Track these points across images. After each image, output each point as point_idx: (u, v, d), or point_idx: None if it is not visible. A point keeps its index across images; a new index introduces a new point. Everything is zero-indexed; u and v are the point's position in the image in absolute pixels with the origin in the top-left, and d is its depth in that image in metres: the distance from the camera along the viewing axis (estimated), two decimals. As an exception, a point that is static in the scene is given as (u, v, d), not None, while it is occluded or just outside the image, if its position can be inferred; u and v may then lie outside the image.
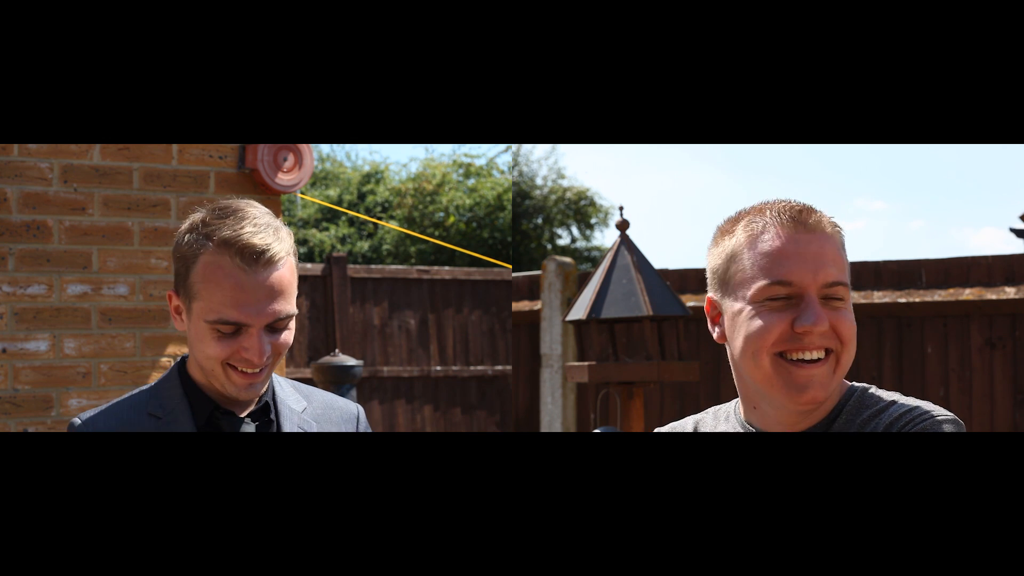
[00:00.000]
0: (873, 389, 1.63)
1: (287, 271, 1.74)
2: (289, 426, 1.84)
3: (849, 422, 1.59)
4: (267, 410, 1.84)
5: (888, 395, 1.62)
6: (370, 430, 1.90)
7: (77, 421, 1.79)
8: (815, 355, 1.56)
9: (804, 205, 1.63)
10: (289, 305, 1.75)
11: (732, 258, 1.62)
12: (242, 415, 1.81)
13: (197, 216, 1.76)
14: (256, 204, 1.78)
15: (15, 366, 3.62)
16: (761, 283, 1.58)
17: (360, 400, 8.22)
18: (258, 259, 1.70)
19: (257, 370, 1.75)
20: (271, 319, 1.72)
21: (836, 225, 1.63)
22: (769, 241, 1.59)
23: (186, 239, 1.75)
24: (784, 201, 1.63)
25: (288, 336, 1.77)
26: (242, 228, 1.71)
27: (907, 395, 1.61)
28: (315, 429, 1.87)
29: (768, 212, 1.61)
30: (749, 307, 1.59)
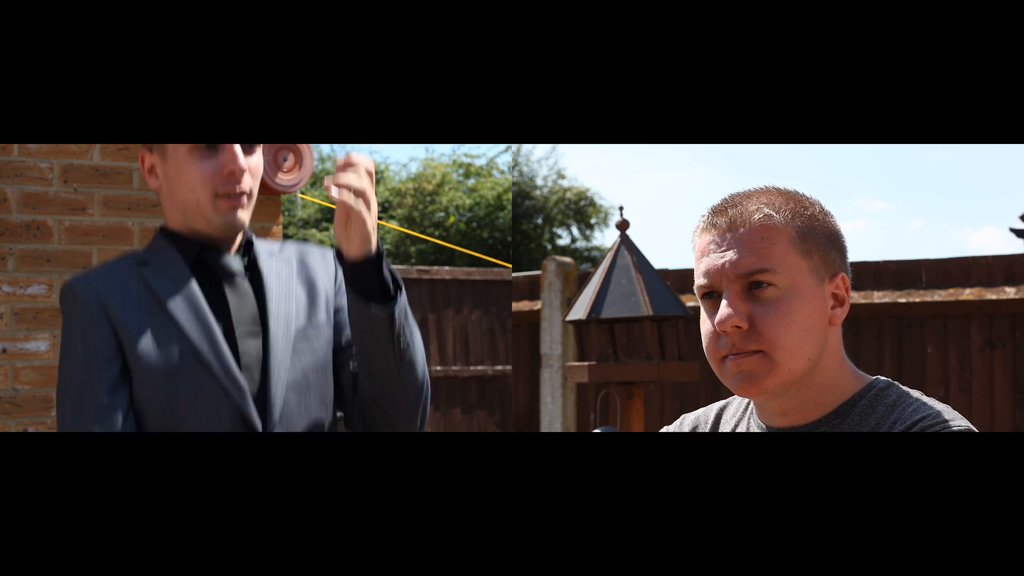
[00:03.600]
0: (897, 386, 1.59)
1: None
2: (267, 257, 1.96)
3: (863, 420, 1.56)
4: (249, 247, 1.97)
5: (911, 395, 1.57)
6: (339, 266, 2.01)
7: (71, 280, 1.90)
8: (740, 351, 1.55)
9: (732, 197, 1.61)
10: None
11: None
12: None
13: None
14: None
15: (15, 366, 3.62)
16: (696, 284, 1.60)
17: (360, 400, 8.20)
18: None
19: (241, 189, 1.88)
20: None
21: (773, 213, 1.55)
22: (699, 241, 1.61)
23: None
24: (724, 196, 1.62)
25: (258, 165, 1.92)
26: None
27: None
28: (294, 262, 1.99)
29: (705, 212, 1.61)
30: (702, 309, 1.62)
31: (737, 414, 1.71)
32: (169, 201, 1.93)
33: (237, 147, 1.87)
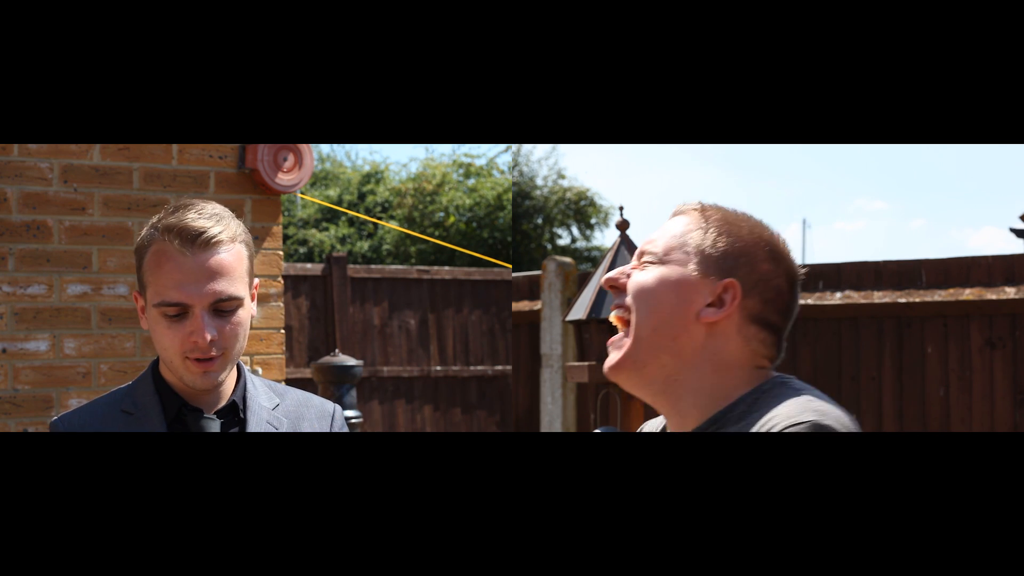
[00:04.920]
0: (786, 386, 1.55)
1: (231, 256, 1.81)
2: (256, 422, 1.89)
3: (737, 425, 1.54)
4: (235, 408, 1.89)
5: (785, 394, 1.53)
6: (345, 427, 1.94)
7: (56, 420, 1.87)
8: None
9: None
10: (233, 288, 1.80)
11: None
12: (210, 413, 1.87)
13: (155, 217, 1.85)
14: (213, 202, 1.86)
15: (15, 366, 3.62)
16: None
17: (360, 400, 8.22)
18: (194, 240, 1.78)
19: (209, 356, 1.80)
20: (211, 299, 1.78)
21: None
22: None
23: (142, 235, 1.85)
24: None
25: (238, 323, 1.82)
26: (185, 215, 1.80)
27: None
28: (286, 425, 1.91)
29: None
30: None
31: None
32: (154, 345, 1.87)
33: (204, 315, 1.78)
